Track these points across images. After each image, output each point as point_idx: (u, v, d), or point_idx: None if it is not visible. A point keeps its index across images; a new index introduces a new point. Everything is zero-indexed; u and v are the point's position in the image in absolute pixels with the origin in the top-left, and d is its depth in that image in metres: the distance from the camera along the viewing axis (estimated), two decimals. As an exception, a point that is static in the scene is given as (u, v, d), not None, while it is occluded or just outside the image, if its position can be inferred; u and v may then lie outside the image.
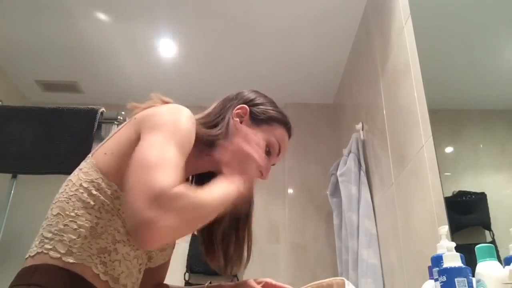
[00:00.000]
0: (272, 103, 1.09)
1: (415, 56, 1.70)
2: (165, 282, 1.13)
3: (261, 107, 1.06)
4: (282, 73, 3.01)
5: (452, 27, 1.52)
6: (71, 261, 0.76)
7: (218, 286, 1.11)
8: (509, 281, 0.80)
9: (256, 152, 0.98)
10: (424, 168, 1.57)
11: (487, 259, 0.87)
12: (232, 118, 1.02)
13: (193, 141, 0.86)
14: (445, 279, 0.85)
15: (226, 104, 1.05)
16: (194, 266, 2.61)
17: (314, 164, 3.15)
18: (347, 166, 2.43)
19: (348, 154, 2.49)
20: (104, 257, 0.78)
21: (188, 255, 2.64)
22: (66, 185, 0.85)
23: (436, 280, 0.89)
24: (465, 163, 1.43)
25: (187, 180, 1.05)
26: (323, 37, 2.72)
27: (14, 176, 1.90)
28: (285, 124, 1.08)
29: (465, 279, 0.84)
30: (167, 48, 2.85)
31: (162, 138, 0.79)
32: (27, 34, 2.72)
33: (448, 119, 1.53)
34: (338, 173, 2.49)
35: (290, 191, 3.10)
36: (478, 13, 1.36)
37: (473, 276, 0.87)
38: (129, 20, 2.62)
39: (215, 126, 0.99)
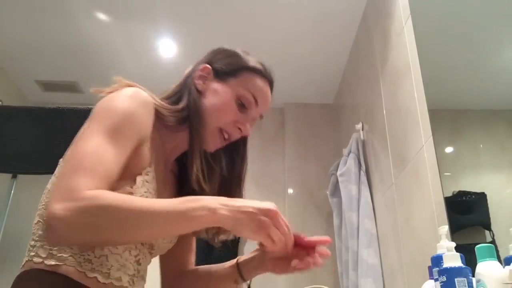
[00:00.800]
0: (236, 54, 0.97)
1: (415, 56, 1.70)
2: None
3: (223, 61, 0.96)
4: (282, 73, 2.99)
5: (452, 27, 1.52)
6: (53, 263, 0.75)
7: (251, 258, 0.98)
8: (509, 281, 0.80)
9: (224, 109, 0.92)
10: (424, 168, 1.57)
11: (487, 259, 0.87)
12: (195, 81, 0.94)
13: (141, 121, 0.82)
14: (445, 279, 0.85)
15: (191, 70, 0.98)
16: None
17: (314, 164, 3.15)
18: (347, 166, 2.43)
19: (348, 154, 2.49)
20: (88, 255, 0.77)
21: (188, 255, 2.65)
22: (44, 193, 0.85)
23: (436, 280, 0.89)
24: (465, 163, 1.43)
25: (181, 159, 0.99)
26: (323, 37, 2.72)
27: (14, 176, 1.90)
28: (254, 70, 0.96)
29: (465, 279, 0.84)
30: (167, 48, 2.85)
31: (92, 128, 0.78)
32: (27, 34, 2.72)
33: (448, 119, 1.53)
34: (338, 173, 2.49)
35: (290, 191, 3.10)
36: (478, 13, 1.36)
37: (473, 276, 0.87)
38: (129, 20, 2.62)
39: (180, 97, 0.94)
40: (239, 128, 0.94)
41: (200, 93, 0.94)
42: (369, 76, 2.38)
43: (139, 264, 0.86)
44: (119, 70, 3.02)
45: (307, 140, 3.23)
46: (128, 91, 0.85)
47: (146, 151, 0.85)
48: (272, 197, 3.08)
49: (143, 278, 0.88)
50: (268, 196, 3.08)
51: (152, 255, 0.92)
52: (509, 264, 0.85)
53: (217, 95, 0.93)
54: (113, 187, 0.75)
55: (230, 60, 0.96)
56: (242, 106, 0.93)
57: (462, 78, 1.46)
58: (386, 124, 2.07)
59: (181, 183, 0.98)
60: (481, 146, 1.35)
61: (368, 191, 2.30)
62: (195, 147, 0.90)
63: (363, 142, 2.47)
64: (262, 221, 0.73)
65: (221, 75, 0.95)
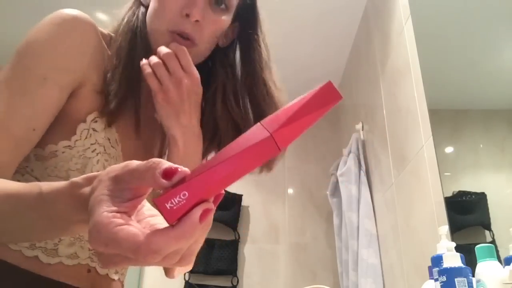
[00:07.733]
0: None
1: (415, 56, 1.70)
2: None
3: None
4: (281, 74, 3.00)
5: (452, 27, 1.52)
6: None
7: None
8: (509, 281, 0.81)
9: (164, 5, 0.76)
10: (424, 168, 1.57)
11: (487, 259, 0.87)
12: None
13: (73, 52, 0.68)
14: (445, 279, 0.85)
15: None
16: (194, 266, 2.62)
17: (314, 164, 3.15)
18: (347, 166, 2.43)
19: (348, 154, 2.49)
20: None
21: (188, 255, 2.65)
22: None
23: (436, 280, 0.89)
24: (465, 163, 1.43)
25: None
26: (323, 37, 2.72)
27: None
28: None
29: (465, 279, 0.84)
30: (167, 48, 2.85)
31: (2, 75, 0.63)
32: (25, 34, 2.72)
33: (448, 119, 1.53)
34: (338, 173, 2.49)
35: (290, 191, 3.10)
36: (478, 13, 1.36)
37: (473, 276, 0.88)
38: (129, 20, 2.63)
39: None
40: (187, 15, 0.74)
41: (145, 7, 0.82)
42: (369, 76, 2.38)
43: None
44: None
45: (307, 140, 3.23)
46: (54, 15, 0.69)
47: (91, 91, 0.70)
48: (272, 197, 3.09)
49: None
50: (268, 196, 3.08)
51: None
52: (509, 264, 0.85)
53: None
54: (44, 143, 0.63)
55: None
56: None
57: (462, 78, 1.46)
58: (386, 124, 2.07)
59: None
60: (481, 146, 1.35)
61: (368, 191, 2.30)
62: None
63: (363, 142, 2.47)
64: None
65: None
